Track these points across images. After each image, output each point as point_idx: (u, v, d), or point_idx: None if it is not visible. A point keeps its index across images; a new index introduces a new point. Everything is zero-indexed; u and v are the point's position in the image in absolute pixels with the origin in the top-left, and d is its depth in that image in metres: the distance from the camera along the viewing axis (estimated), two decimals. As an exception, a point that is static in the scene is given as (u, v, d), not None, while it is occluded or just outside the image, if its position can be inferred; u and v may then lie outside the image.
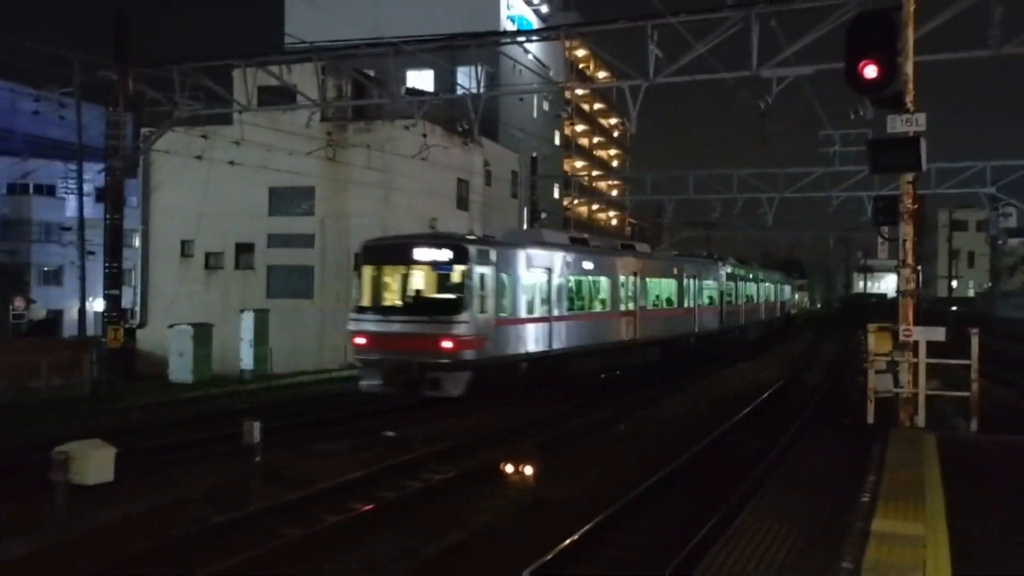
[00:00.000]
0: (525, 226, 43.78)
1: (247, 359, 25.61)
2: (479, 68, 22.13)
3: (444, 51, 23.62)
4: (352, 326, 19.60)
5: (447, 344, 18.27)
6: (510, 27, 46.70)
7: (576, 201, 66.16)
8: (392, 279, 20.04)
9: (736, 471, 12.06)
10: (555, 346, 21.81)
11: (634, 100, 20.32)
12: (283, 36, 43.21)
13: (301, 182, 33.49)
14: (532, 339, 20.87)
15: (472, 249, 19.10)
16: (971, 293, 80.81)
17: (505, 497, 10.74)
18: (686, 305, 32.26)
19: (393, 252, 20.22)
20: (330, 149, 28.81)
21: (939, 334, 11.25)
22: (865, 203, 39.39)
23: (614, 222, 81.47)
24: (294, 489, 11.04)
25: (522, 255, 20.90)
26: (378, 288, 19.93)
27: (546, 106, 54.66)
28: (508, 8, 48.88)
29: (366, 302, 19.66)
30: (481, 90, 23.01)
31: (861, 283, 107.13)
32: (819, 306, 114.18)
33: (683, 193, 43.68)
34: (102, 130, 24.74)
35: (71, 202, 50.01)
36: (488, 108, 29.27)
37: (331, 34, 27.74)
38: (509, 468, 11.15)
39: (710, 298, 35.62)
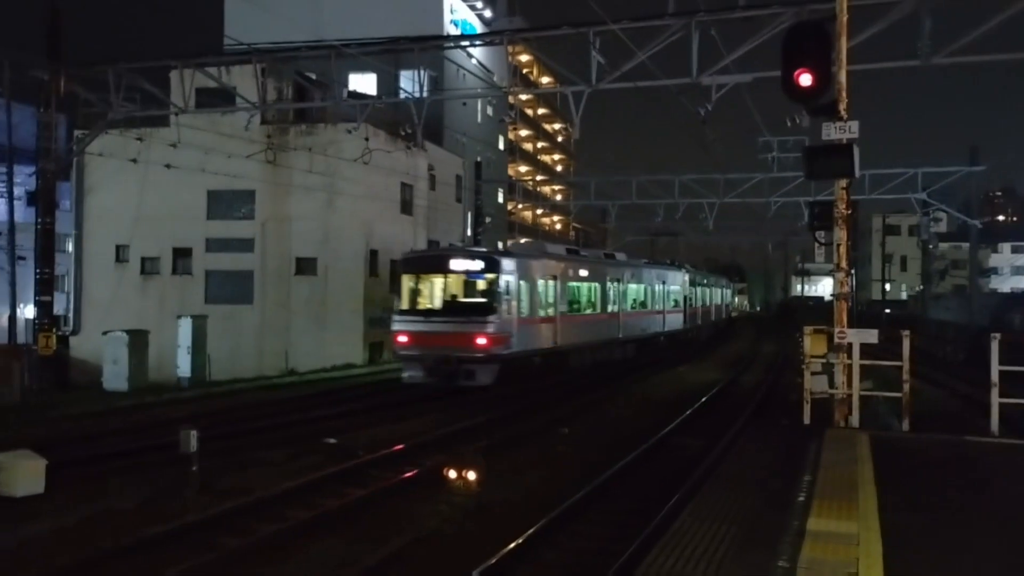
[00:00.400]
0: (469, 231, 44.02)
1: (184, 366, 25.04)
2: (422, 72, 22.06)
3: (387, 54, 23.48)
4: (395, 326, 22.27)
5: (481, 341, 21.17)
6: (453, 31, 46.66)
7: (520, 205, 66.39)
8: (430, 286, 23.01)
9: (678, 472, 12.21)
10: (559, 342, 25.29)
11: (577, 106, 20.47)
12: (222, 38, 42.52)
13: (241, 185, 32.95)
14: (544, 336, 24.37)
15: (500, 260, 22.39)
16: (904, 296, 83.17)
17: (448, 502, 10.68)
18: (657, 307, 36.80)
19: (431, 263, 23.62)
20: (270, 152, 28.42)
21: (872, 336, 11.54)
22: (803, 208, 40.28)
23: (558, 226, 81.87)
24: (231, 499, 10.83)
25: (536, 265, 24.42)
26: (417, 294, 22.85)
27: (490, 111, 54.74)
28: (452, 12, 48.83)
29: (406, 306, 22.50)
30: (424, 94, 22.93)
31: (799, 286, 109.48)
32: (758, 308, 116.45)
33: (626, 198, 44.14)
34: (33, 131, 24.03)
35: (1, 205, 48.44)
36: (432, 112, 29.18)
37: (272, 36, 27.31)
38: (452, 473, 11.10)
39: (675, 301, 40.09)
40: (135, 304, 35.16)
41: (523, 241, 34.31)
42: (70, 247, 37.85)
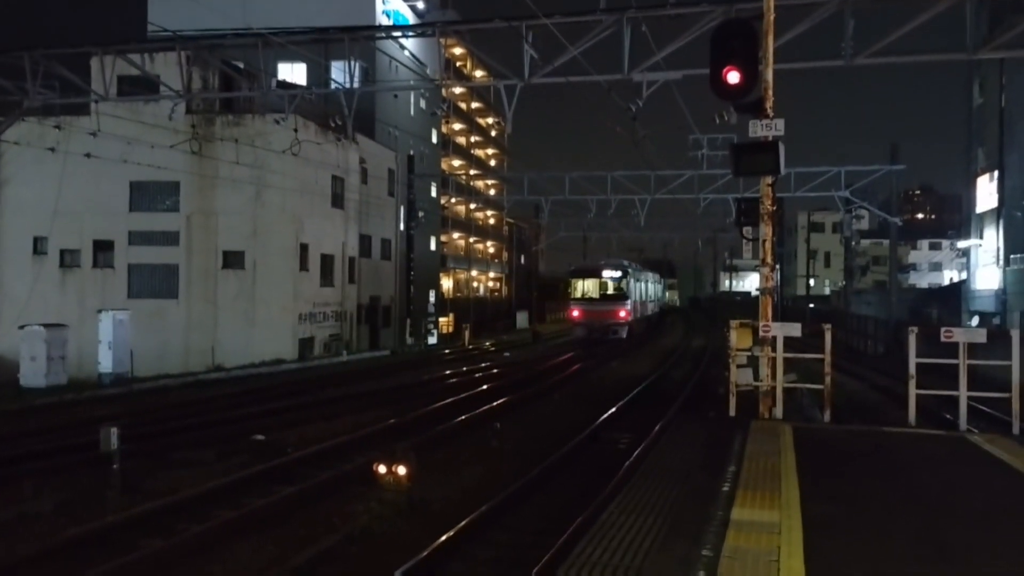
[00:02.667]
0: (402, 226, 43.82)
1: (106, 362, 24.28)
2: (353, 62, 21.74)
3: (317, 44, 23.06)
4: (572, 306, 41.76)
5: (622, 314, 40.67)
6: (386, 22, 46.17)
7: (454, 200, 66.17)
8: (590, 284, 41.67)
9: (608, 465, 12.33)
10: (638, 317, 44.35)
11: (509, 100, 20.43)
12: (146, 25, 41.25)
13: (165, 177, 32.11)
14: (637, 313, 43.35)
15: (629, 269, 42.66)
16: (827, 291, 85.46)
17: (380, 500, 10.57)
18: (655, 298, 57.37)
19: (589, 271, 42.85)
20: (195, 142, 27.68)
21: (795, 330, 11.81)
22: (731, 205, 40.99)
23: (492, 221, 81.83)
24: (156, 499, 10.55)
25: (634, 271, 43.65)
26: (582, 288, 41.69)
27: (423, 104, 54.34)
28: (384, 3, 48.29)
29: (576, 296, 41.61)
30: (356, 85, 22.62)
31: (728, 282, 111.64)
32: (687, 304, 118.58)
33: (559, 193, 44.34)
34: (-58, 119, 22.96)
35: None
36: (364, 105, 28.85)
37: (198, 24, 26.56)
38: (383, 469, 10.99)
39: (658, 295, 61.65)
40: (54, 299, 34.03)
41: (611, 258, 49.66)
42: (-16, 239, 36.32)
